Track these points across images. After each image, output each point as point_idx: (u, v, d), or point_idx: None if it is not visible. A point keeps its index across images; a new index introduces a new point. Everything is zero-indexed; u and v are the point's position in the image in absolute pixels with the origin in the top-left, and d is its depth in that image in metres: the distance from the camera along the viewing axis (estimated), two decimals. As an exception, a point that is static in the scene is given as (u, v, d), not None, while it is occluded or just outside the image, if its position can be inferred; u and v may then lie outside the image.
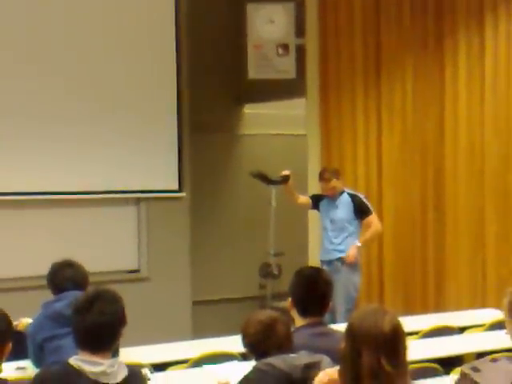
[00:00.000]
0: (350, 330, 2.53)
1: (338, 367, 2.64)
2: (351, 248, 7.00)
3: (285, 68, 8.34)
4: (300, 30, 8.32)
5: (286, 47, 8.37)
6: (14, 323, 4.32)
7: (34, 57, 7.22)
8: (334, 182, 7.12)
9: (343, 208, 7.10)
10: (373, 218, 7.12)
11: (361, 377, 2.46)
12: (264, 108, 9.36)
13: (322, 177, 7.20)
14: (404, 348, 2.54)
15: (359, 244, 7.06)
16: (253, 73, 8.40)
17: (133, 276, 7.78)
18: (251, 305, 8.56)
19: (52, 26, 7.33)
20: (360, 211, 7.08)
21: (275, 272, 8.12)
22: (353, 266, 7.05)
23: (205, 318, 8.29)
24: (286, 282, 7.87)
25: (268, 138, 9.41)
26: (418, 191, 7.76)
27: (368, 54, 7.99)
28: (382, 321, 2.51)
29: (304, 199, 7.36)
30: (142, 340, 4.78)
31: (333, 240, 7.11)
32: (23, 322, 4.44)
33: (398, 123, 7.88)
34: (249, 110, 9.45)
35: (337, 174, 7.21)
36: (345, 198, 7.12)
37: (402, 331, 2.56)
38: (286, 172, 7.30)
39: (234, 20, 8.79)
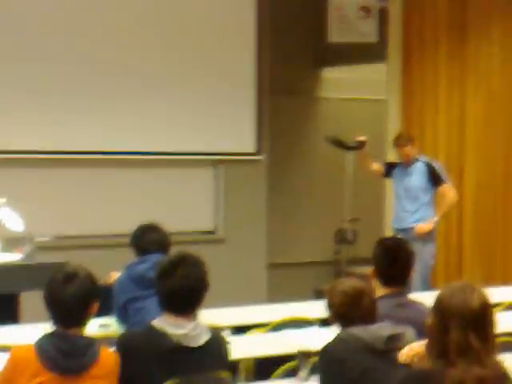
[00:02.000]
0: (438, 305, 2.51)
1: (424, 341, 2.63)
2: (427, 222, 6.90)
3: (366, 31, 8.23)
4: (383, -8, 8.20)
5: (367, 10, 8.25)
6: (106, 277, 4.43)
7: (115, 24, 7.30)
8: (409, 149, 7.01)
9: (417, 176, 7.00)
10: (447, 188, 6.96)
11: (448, 352, 2.45)
12: (343, 72, 9.26)
13: (397, 143, 7.11)
14: (492, 324, 2.52)
15: (436, 218, 6.96)
16: (333, 36, 8.32)
17: (208, 237, 7.87)
18: (326, 269, 8.59)
19: None
20: (434, 179, 6.95)
21: (350, 238, 8.11)
22: (428, 234, 6.97)
23: (279, 280, 8.33)
24: (360, 248, 7.96)
25: (346, 102, 9.32)
26: (501, 159, 7.57)
27: (453, 15, 7.78)
28: (470, 297, 2.49)
29: (377, 166, 7.27)
30: (217, 301, 4.81)
31: (407, 208, 7.02)
32: (114, 275, 4.48)
33: (483, 87, 7.65)
34: (328, 73, 9.37)
35: (411, 140, 7.10)
36: (419, 166, 7.01)
37: (491, 308, 2.54)
38: (361, 137, 7.22)
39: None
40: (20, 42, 6.89)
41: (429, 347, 2.53)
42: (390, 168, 7.23)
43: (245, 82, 7.92)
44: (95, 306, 3.10)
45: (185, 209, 7.70)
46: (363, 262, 7.03)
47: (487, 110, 7.66)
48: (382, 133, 8.07)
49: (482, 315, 2.49)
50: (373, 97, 9.08)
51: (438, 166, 7.09)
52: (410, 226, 6.97)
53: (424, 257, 6.86)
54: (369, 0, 8.27)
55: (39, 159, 7.01)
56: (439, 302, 2.52)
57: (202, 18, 7.67)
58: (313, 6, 8.81)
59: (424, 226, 6.91)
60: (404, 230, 6.96)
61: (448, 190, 6.99)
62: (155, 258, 4.08)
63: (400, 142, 7.09)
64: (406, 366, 2.89)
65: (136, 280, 4.20)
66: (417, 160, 7.05)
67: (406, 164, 7.05)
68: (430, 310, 2.55)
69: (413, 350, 2.83)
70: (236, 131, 7.89)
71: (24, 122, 6.90)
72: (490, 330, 2.52)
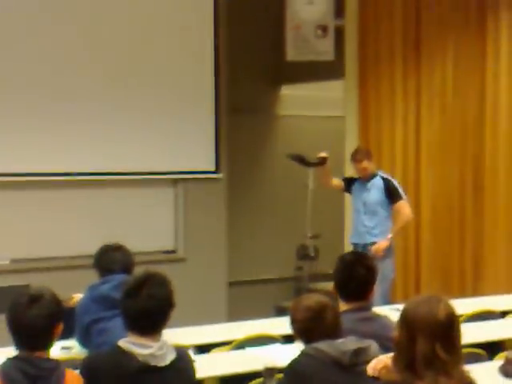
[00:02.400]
0: (404, 317, 2.53)
1: (391, 354, 2.64)
2: (383, 241, 6.94)
3: (323, 49, 8.29)
4: (339, 11, 8.27)
5: (324, 28, 8.32)
6: (67, 299, 4.37)
7: (77, 36, 7.27)
8: (366, 163, 7.05)
9: (375, 191, 7.04)
10: (402, 205, 6.98)
11: (416, 364, 2.46)
12: (302, 89, 9.33)
13: (354, 157, 7.15)
14: (459, 335, 2.54)
15: (390, 236, 7.01)
16: (291, 54, 8.36)
17: (169, 256, 7.82)
18: (287, 286, 8.59)
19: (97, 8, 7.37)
20: (390, 195, 7.00)
21: (312, 254, 8.14)
22: (385, 250, 7.01)
23: (240, 298, 8.33)
24: (322, 264, 7.97)
25: (305, 120, 9.38)
26: (456, 175, 7.68)
27: (408, 35, 7.89)
28: (436, 308, 2.52)
29: (337, 182, 7.32)
30: (178, 320, 4.79)
31: (365, 223, 7.06)
32: (76, 297, 4.43)
33: (438, 105, 7.78)
34: (286, 91, 9.43)
35: (368, 155, 7.15)
36: (377, 181, 7.06)
37: (457, 318, 2.56)
38: (323, 154, 7.26)
39: (273, 0, 8.75)
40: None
41: (396, 359, 2.55)
42: (349, 183, 7.27)
43: (203, 100, 7.91)
44: (60, 328, 3.07)
45: (145, 228, 7.65)
46: (325, 278, 7.06)
47: (441, 126, 7.76)
48: (340, 149, 8.13)
49: (449, 326, 2.51)
50: (331, 114, 9.15)
51: (395, 182, 7.15)
52: (369, 241, 7.00)
53: (383, 272, 6.86)
54: (325, 18, 8.34)
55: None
56: (405, 314, 2.53)
57: (159, 38, 7.66)
58: (271, 24, 8.87)
59: (379, 246, 6.94)
60: (363, 246, 7.00)
61: (403, 207, 7.01)
62: (119, 279, 4.05)
63: (357, 156, 7.13)
64: (374, 379, 2.90)
65: (99, 301, 4.14)
66: (375, 175, 7.11)
67: (365, 179, 7.10)
68: (397, 322, 2.57)
69: (380, 362, 2.85)
70: (195, 150, 7.87)
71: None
72: (457, 340, 2.54)
